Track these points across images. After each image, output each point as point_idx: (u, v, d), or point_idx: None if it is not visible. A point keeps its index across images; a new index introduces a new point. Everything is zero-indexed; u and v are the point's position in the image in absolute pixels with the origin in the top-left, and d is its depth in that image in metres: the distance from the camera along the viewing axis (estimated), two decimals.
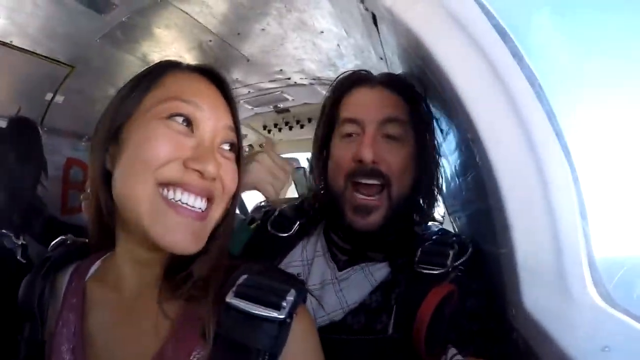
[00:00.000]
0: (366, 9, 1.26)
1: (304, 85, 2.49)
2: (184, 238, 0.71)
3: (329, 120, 1.21)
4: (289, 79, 2.47)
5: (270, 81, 2.52)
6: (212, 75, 0.83)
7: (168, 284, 0.75)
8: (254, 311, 0.68)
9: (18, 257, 1.38)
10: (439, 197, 1.26)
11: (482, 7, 0.83)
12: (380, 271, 1.11)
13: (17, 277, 1.33)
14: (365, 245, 1.15)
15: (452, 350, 0.89)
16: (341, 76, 1.24)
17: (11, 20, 1.71)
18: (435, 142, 1.21)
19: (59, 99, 2.24)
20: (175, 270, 0.75)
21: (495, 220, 0.92)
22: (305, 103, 2.77)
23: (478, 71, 0.84)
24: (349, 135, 1.14)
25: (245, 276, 0.74)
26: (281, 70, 2.38)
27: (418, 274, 1.03)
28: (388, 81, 1.18)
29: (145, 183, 0.71)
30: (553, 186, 0.79)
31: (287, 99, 2.75)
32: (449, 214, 1.74)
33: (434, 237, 1.14)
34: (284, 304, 0.69)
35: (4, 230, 1.40)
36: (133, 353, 0.73)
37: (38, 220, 1.66)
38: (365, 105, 1.14)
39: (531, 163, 0.80)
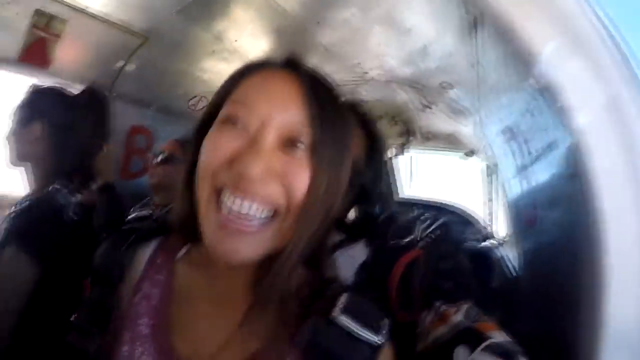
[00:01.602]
0: (467, 12, 1.21)
1: (380, 81, 2.44)
2: (232, 250, 0.69)
3: None
4: (366, 73, 2.43)
5: (346, 74, 2.48)
6: (295, 68, 0.77)
7: (258, 289, 0.74)
8: (357, 331, 0.71)
9: (70, 214, 1.47)
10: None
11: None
12: (358, 252, 1.26)
13: (66, 231, 1.45)
14: None
15: (439, 303, 1.06)
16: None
17: None
18: None
19: (130, 67, 2.32)
20: (263, 275, 0.73)
21: (585, 272, 0.88)
22: (379, 100, 2.71)
23: (586, 80, 0.83)
24: None
25: (346, 294, 0.75)
26: (359, 63, 2.34)
27: (390, 248, 1.20)
28: None
29: (204, 189, 0.71)
30: None
31: (360, 94, 2.71)
32: (518, 243, 1.68)
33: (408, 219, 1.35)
34: (383, 329, 0.72)
35: (58, 186, 1.49)
36: (223, 350, 0.73)
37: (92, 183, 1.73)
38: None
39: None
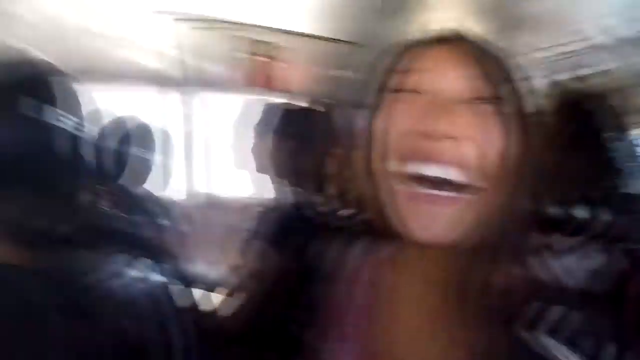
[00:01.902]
0: None
1: (607, 46, 2.16)
2: (423, 226, 0.64)
3: None
4: (587, 40, 2.16)
5: (566, 45, 2.26)
6: (460, 37, 0.73)
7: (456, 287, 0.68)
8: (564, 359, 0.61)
9: (309, 213, 1.60)
10: None
11: None
12: (588, 257, 1.10)
13: (306, 229, 1.50)
14: None
15: None
16: None
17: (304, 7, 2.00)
18: None
19: (345, 74, 2.46)
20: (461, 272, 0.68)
21: None
22: (610, 69, 2.38)
23: None
24: None
25: (558, 307, 0.65)
26: (577, 30, 2.12)
27: (631, 254, 1.04)
28: None
29: (387, 165, 0.68)
30: None
31: (587, 65, 2.43)
32: None
33: None
34: None
35: (297, 189, 1.69)
36: (422, 355, 0.70)
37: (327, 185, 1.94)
38: None
39: None
